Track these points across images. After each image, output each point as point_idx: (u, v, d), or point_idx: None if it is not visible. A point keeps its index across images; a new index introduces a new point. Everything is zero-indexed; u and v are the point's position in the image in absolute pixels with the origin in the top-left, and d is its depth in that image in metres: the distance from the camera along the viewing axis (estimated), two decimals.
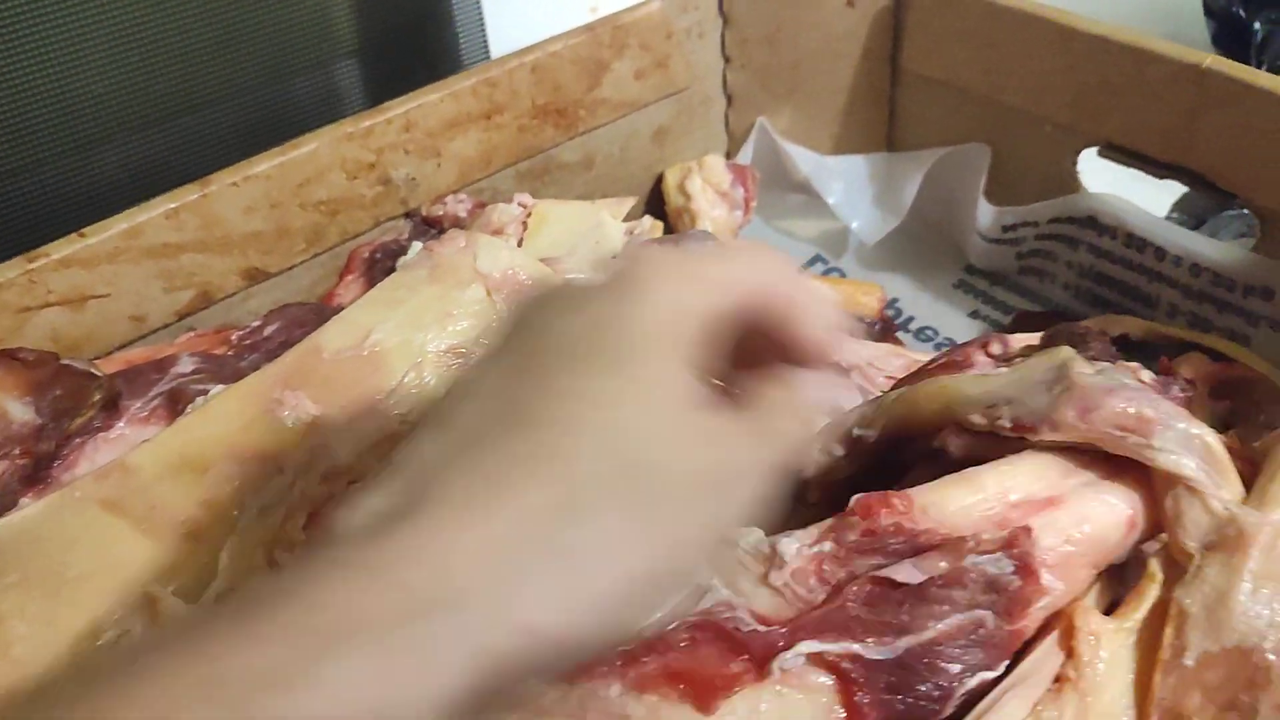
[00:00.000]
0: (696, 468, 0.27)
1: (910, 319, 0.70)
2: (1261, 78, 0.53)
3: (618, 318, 0.28)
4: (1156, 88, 0.56)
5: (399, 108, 0.60)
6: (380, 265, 0.62)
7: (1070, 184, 0.64)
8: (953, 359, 0.45)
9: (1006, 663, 0.37)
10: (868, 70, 0.71)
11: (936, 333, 0.69)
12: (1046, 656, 0.37)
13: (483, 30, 0.82)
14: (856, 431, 0.45)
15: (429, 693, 0.22)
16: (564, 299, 0.30)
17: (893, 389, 0.46)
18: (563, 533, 0.24)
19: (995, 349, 0.45)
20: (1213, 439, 0.40)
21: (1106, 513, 0.38)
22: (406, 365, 0.47)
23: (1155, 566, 0.38)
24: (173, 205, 0.54)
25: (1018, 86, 0.64)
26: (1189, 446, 0.39)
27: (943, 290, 0.71)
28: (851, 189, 0.73)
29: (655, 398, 0.27)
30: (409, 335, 0.48)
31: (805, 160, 0.73)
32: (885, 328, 0.62)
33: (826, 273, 0.73)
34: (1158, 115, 0.57)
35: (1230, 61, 0.54)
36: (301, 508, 0.43)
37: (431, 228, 0.63)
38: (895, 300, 0.71)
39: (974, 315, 0.70)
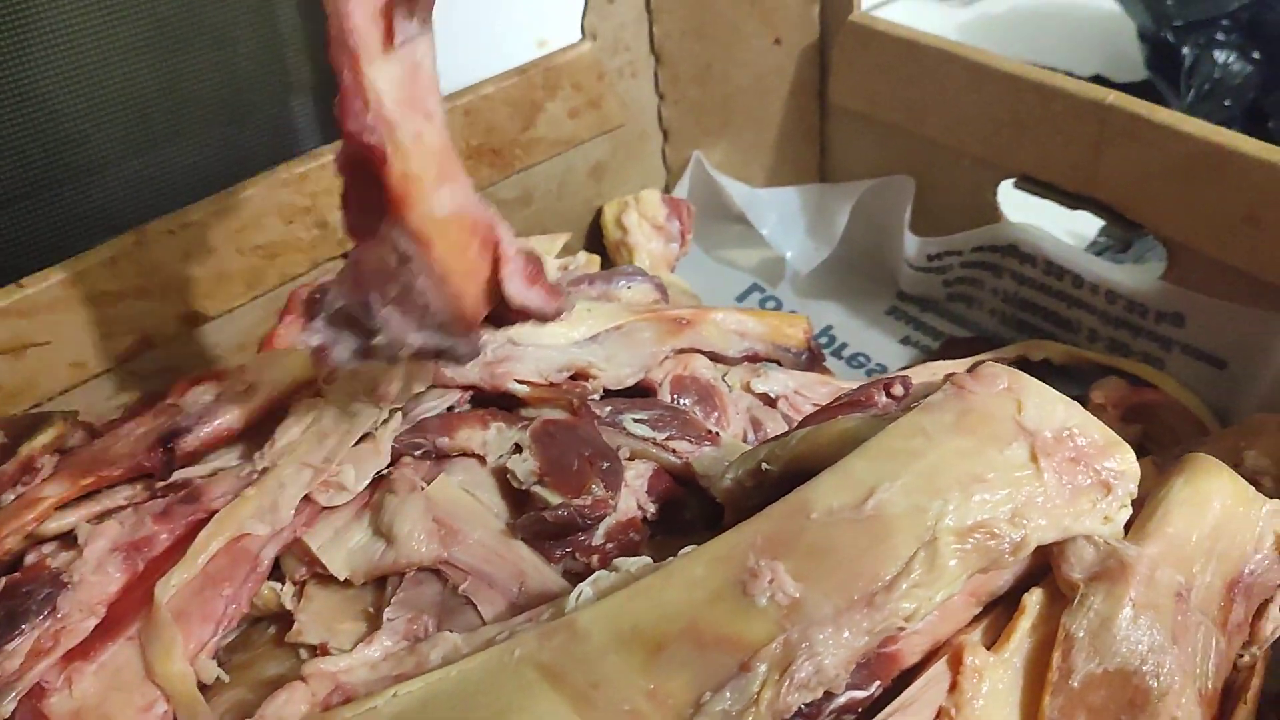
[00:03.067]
0: None
1: (844, 345, 0.71)
2: (1160, 113, 0.55)
3: None
4: (1062, 123, 0.58)
5: (332, 153, 0.61)
6: (319, 305, 0.63)
7: (991, 214, 0.66)
8: (855, 399, 0.47)
9: (879, 683, 0.38)
10: (797, 105, 0.73)
11: (869, 359, 0.71)
12: (930, 684, 0.38)
13: None
14: (765, 466, 0.46)
15: None
16: None
17: (798, 426, 0.47)
18: None
19: (896, 390, 0.47)
20: None
21: None
22: (916, 543, 0.37)
23: (1028, 600, 0.40)
24: (110, 255, 0.56)
25: (937, 121, 0.66)
26: None
27: (875, 317, 0.73)
28: (784, 220, 0.75)
29: None
30: (921, 501, 0.37)
31: (739, 193, 0.75)
32: (813, 358, 0.64)
33: (764, 302, 0.75)
34: (1065, 149, 0.59)
35: (1131, 98, 0.56)
36: None
37: None
38: (829, 328, 0.73)
39: (905, 341, 0.71)
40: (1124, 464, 0.40)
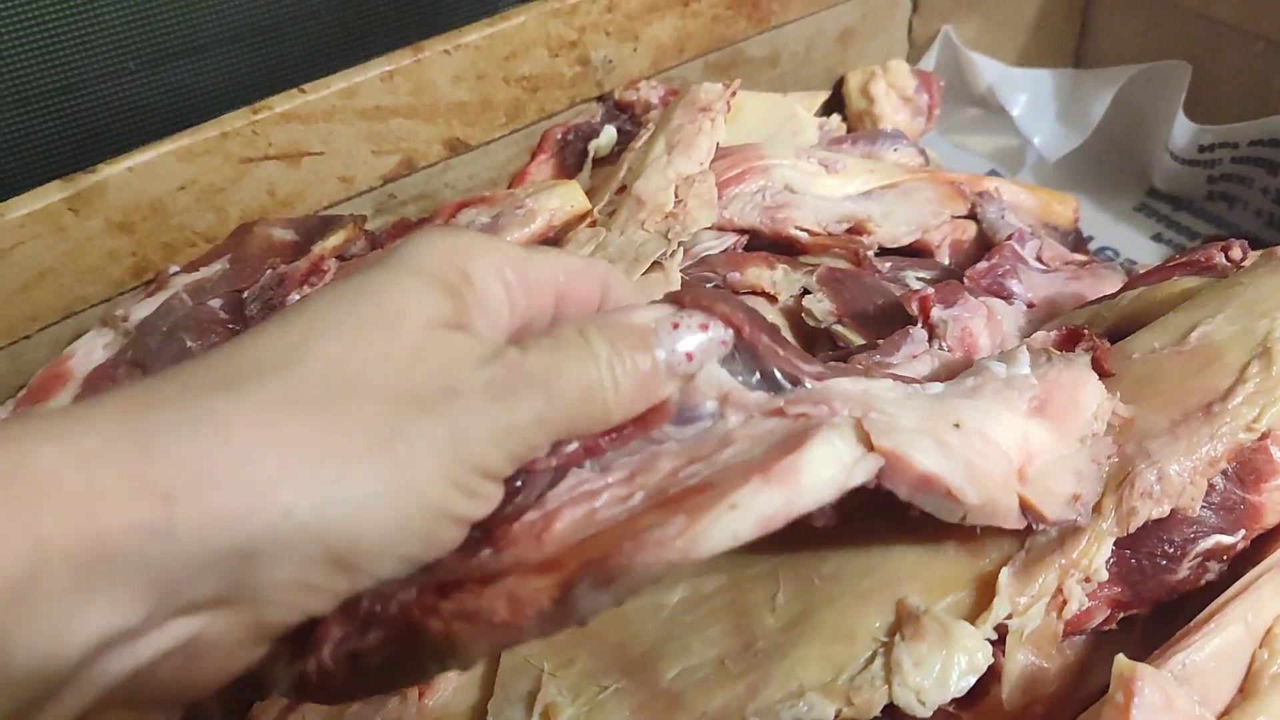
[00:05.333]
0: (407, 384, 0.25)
1: (1089, 239, 0.68)
2: None
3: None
4: None
5: None
6: (571, 147, 0.62)
7: (1276, 105, 0.62)
8: (1192, 259, 0.44)
9: (1243, 533, 0.36)
10: None
11: (1117, 253, 0.67)
12: None
13: None
14: (1085, 330, 0.44)
15: None
16: None
17: (1126, 287, 0.45)
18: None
19: (1235, 253, 0.44)
20: None
21: None
22: (1247, 355, 0.37)
23: None
24: (388, 68, 0.54)
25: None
26: None
27: (1123, 212, 0.70)
28: (1036, 102, 0.71)
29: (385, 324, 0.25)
30: (1247, 324, 0.38)
31: (990, 70, 0.71)
32: (1078, 239, 0.61)
33: None
34: None
35: None
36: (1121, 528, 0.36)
37: (623, 112, 0.63)
38: None
39: (1157, 239, 0.68)
40: None
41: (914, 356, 0.39)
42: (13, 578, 0.20)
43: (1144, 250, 0.67)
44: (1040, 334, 0.38)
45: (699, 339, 0.29)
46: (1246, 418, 0.36)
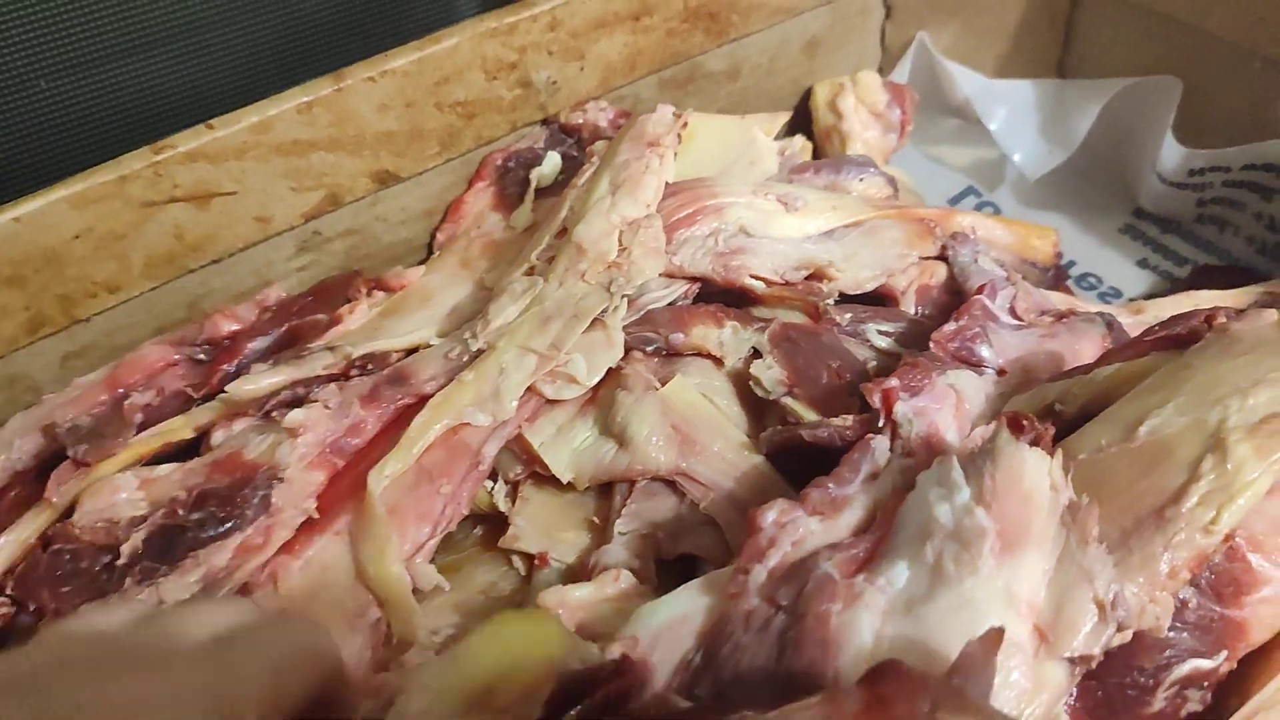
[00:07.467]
0: None
1: (1071, 264, 0.64)
2: None
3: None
4: None
5: (545, 4, 0.54)
6: (512, 174, 0.58)
7: (1273, 127, 0.58)
8: (1172, 333, 0.40)
9: (1225, 654, 0.33)
10: None
11: (1100, 280, 0.63)
12: None
13: None
14: (1057, 406, 0.40)
15: None
16: None
17: (1099, 363, 0.41)
18: None
19: (1220, 322, 0.40)
20: None
21: None
22: (1200, 449, 0.33)
23: None
24: (306, 99, 0.50)
25: (1228, 14, 0.57)
26: None
27: (1108, 235, 0.66)
28: (1017, 116, 0.67)
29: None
30: (1199, 414, 0.34)
31: (968, 81, 0.67)
32: (1058, 275, 0.57)
33: (979, 207, 0.67)
34: None
35: None
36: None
37: (569, 136, 0.58)
38: None
39: (1143, 264, 0.64)
40: None
41: (874, 476, 0.35)
42: None
43: (1129, 278, 0.63)
44: (979, 430, 0.34)
45: None
46: (1203, 520, 0.33)
